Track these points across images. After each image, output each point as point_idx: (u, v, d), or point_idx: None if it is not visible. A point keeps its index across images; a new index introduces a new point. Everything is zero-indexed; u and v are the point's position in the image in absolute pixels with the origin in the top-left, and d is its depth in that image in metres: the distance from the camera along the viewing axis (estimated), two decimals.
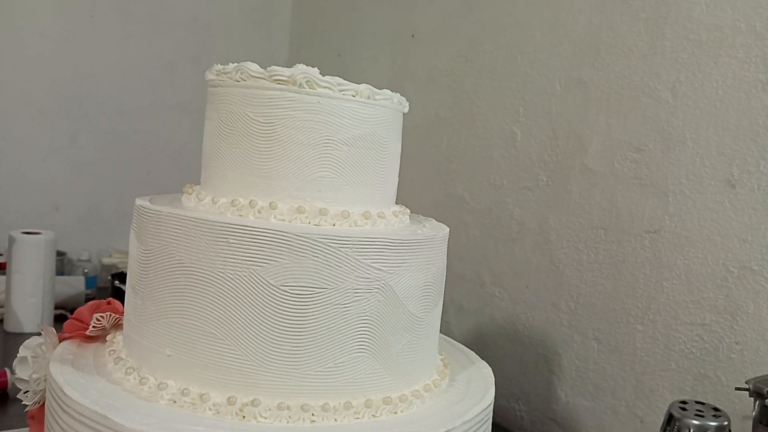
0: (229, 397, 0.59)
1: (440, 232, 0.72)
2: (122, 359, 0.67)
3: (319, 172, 0.65)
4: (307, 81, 0.64)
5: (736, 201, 0.91)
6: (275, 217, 0.63)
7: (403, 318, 0.66)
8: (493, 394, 0.72)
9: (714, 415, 0.76)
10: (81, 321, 0.75)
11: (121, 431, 0.55)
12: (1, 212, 1.70)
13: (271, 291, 0.59)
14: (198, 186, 0.72)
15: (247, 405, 0.59)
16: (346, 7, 1.82)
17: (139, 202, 0.69)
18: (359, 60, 1.75)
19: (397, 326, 0.65)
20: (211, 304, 0.61)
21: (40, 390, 0.72)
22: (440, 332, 0.77)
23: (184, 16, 1.90)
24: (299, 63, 0.67)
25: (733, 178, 0.92)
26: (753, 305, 0.89)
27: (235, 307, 0.60)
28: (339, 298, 0.61)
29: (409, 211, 0.78)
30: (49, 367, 0.66)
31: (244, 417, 0.59)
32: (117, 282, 1.55)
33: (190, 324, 0.61)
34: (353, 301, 0.61)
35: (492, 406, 0.71)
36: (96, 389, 0.61)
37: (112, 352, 0.70)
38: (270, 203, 0.64)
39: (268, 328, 0.60)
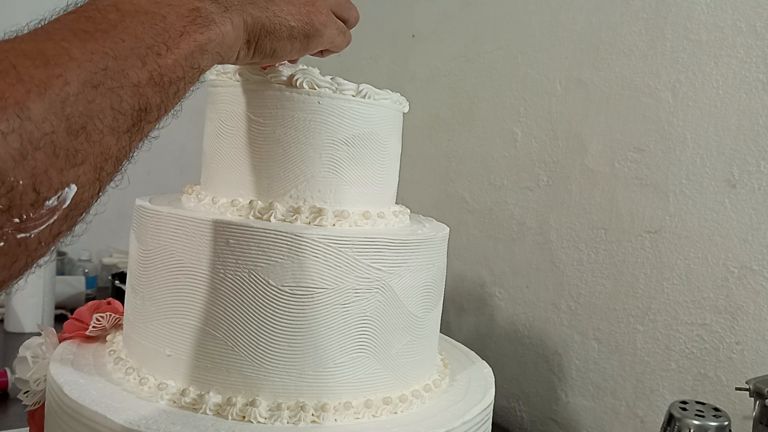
0: (228, 398, 0.59)
1: (440, 232, 0.72)
2: (122, 359, 0.67)
3: (319, 172, 0.65)
4: (307, 81, 0.64)
5: (736, 201, 0.91)
6: (275, 217, 0.63)
7: (403, 318, 0.65)
8: (493, 394, 0.72)
9: (714, 416, 0.76)
10: (81, 321, 0.75)
11: (120, 431, 0.54)
12: None
13: (271, 291, 0.59)
14: (198, 186, 0.72)
15: (246, 405, 0.59)
16: None
17: (139, 202, 0.69)
18: (359, 60, 1.75)
19: (397, 326, 0.65)
20: (211, 304, 0.60)
21: (40, 390, 0.72)
22: (440, 332, 0.77)
23: None
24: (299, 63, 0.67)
25: (734, 178, 0.91)
26: (753, 305, 0.89)
27: (235, 307, 0.60)
28: (339, 298, 0.61)
29: (409, 210, 0.78)
30: (49, 367, 0.66)
31: (243, 417, 0.59)
32: (117, 282, 1.55)
33: (190, 324, 0.61)
34: (353, 301, 0.61)
35: (492, 406, 0.71)
36: (96, 389, 0.61)
37: (112, 353, 0.70)
38: (270, 203, 0.64)
39: (268, 328, 0.60)
